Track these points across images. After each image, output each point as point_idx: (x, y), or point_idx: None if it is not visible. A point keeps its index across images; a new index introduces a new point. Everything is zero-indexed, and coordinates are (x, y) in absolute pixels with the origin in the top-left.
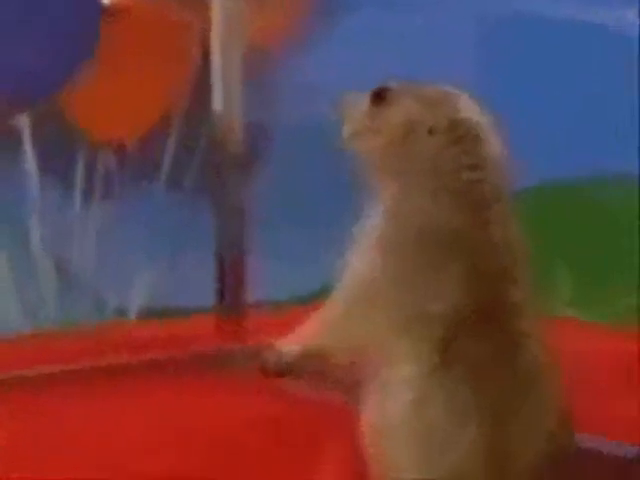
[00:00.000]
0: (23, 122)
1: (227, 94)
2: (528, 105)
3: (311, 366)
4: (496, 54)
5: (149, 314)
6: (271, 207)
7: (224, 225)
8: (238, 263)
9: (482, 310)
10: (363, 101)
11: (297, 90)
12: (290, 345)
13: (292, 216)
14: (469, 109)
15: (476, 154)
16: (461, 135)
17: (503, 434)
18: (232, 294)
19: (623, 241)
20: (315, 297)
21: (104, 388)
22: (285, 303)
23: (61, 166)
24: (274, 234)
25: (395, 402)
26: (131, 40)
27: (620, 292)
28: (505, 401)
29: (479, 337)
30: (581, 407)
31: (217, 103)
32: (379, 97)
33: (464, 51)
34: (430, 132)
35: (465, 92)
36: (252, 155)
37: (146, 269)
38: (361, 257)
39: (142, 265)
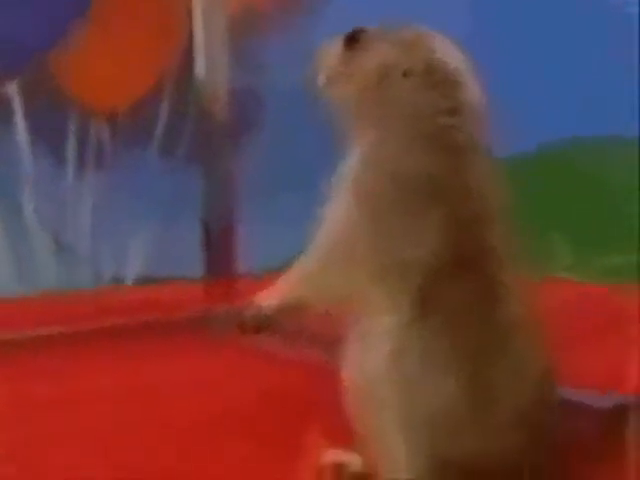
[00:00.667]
0: (12, 90)
1: (210, 61)
2: (523, 71)
3: (290, 319)
4: (492, 20)
5: (143, 280)
6: (264, 173)
7: (211, 192)
8: (225, 229)
9: (459, 257)
10: (337, 46)
11: (290, 55)
12: (269, 299)
13: (285, 182)
14: (446, 52)
15: (453, 98)
16: (438, 78)
17: (483, 384)
18: (219, 260)
19: (616, 201)
20: None
21: (101, 349)
22: (278, 269)
23: (53, 135)
24: (267, 201)
25: (375, 353)
26: (122, 6)
27: (613, 252)
28: (484, 352)
29: (457, 286)
30: (578, 361)
31: (200, 70)
32: (353, 41)
33: (460, 19)
34: (405, 75)
35: (441, 34)
36: (243, 122)
37: (140, 237)
38: (338, 202)
39: (136, 233)
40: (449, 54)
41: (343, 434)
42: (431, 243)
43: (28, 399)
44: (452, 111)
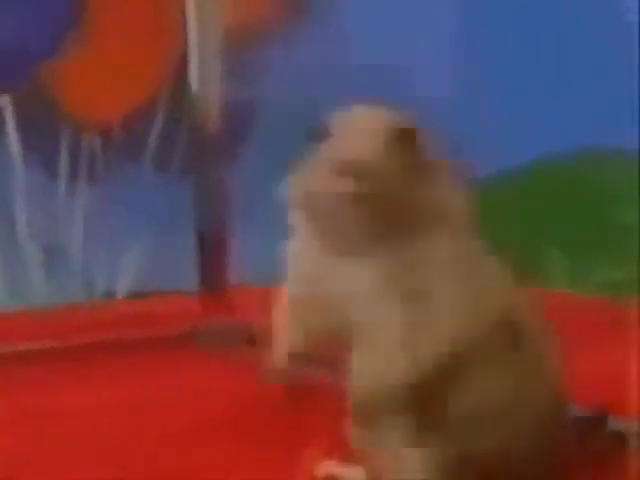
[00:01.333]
0: (5, 102)
1: (204, 73)
2: (521, 83)
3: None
4: (492, 29)
5: (136, 294)
6: (258, 185)
7: (205, 204)
8: (219, 241)
9: None
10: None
11: (286, 66)
12: (277, 351)
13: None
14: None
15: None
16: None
17: (502, 392)
18: (213, 272)
19: (616, 213)
20: None
21: (94, 362)
22: (273, 281)
23: (46, 148)
24: (262, 213)
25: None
26: (116, 19)
27: (613, 265)
28: None
29: None
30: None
31: (194, 82)
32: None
33: (461, 29)
34: None
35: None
36: (238, 134)
37: (133, 250)
38: None
39: (129, 246)
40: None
41: (341, 447)
42: None
43: (20, 412)
44: None
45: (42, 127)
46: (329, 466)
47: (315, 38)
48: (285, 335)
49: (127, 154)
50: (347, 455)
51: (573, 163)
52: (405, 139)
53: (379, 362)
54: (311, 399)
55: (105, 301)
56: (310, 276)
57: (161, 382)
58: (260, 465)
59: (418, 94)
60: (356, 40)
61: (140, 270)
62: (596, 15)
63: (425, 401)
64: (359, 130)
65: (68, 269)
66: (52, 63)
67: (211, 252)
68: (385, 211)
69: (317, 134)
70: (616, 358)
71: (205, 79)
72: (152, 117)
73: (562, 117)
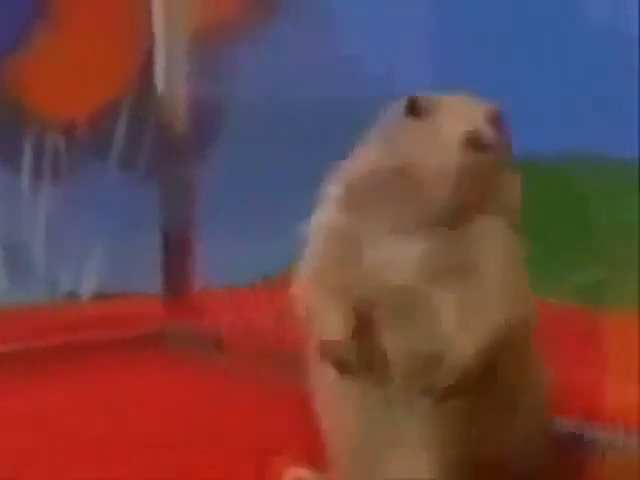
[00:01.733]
0: None
1: (171, 72)
2: (509, 81)
3: None
4: (477, 32)
5: (100, 295)
6: (226, 187)
7: (171, 205)
8: (184, 243)
9: None
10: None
11: (257, 65)
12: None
13: (248, 196)
14: None
15: None
16: None
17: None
18: (178, 274)
19: (590, 214)
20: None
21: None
22: (239, 284)
23: (8, 146)
24: (228, 215)
25: None
26: (81, 16)
27: (581, 270)
28: None
29: None
30: None
31: (160, 81)
32: None
33: (457, 30)
34: None
35: None
36: (205, 134)
37: (98, 251)
38: None
39: (94, 247)
40: None
41: (312, 455)
42: None
43: None
44: None
45: (5, 125)
46: (298, 472)
47: (286, 37)
48: (329, 306)
49: (92, 153)
50: (317, 462)
51: (556, 165)
52: (500, 118)
53: (435, 339)
54: (281, 404)
55: (69, 302)
56: (344, 248)
57: (125, 384)
58: (228, 470)
59: (398, 94)
60: (329, 39)
61: (105, 271)
62: (595, 14)
63: (478, 379)
64: (468, 108)
65: (31, 269)
66: (15, 60)
67: (176, 253)
68: (486, 185)
69: (415, 109)
70: (590, 367)
71: (171, 78)
72: (118, 116)
73: (554, 119)
